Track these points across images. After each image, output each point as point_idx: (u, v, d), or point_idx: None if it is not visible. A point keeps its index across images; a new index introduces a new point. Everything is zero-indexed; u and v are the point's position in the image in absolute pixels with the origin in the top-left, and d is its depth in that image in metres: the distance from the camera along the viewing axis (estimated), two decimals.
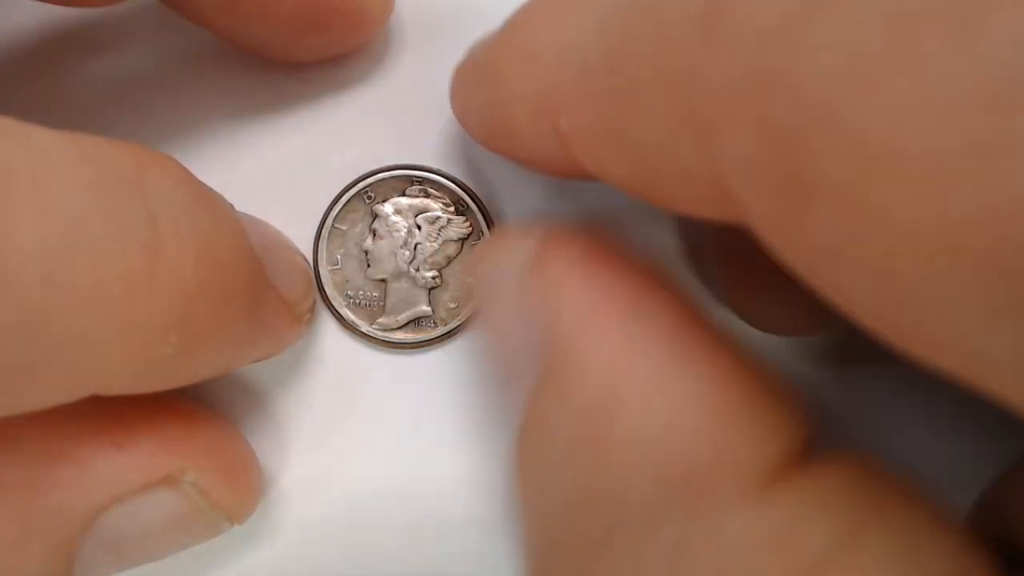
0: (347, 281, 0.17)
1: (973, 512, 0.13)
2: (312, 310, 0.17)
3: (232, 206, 0.14)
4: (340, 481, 0.17)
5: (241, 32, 0.16)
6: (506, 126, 0.13)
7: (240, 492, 0.15)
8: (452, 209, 0.17)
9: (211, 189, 0.14)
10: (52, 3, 0.16)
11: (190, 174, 0.13)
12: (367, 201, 0.17)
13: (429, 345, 0.17)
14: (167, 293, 0.11)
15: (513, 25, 0.13)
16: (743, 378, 0.10)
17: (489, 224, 0.17)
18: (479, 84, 0.14)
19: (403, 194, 0.17)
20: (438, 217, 0.17)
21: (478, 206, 0.17)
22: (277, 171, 0.18)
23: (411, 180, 0.17)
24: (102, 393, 0.12)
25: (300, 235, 0.17)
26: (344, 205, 0.17)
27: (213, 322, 0.13)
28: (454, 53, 0.18)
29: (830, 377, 0.17)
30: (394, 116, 0.18)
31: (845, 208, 0.07)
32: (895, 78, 0.07)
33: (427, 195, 0.17)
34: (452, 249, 0.17)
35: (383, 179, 0.17)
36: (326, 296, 0.17)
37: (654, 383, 0.10)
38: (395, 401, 0.17)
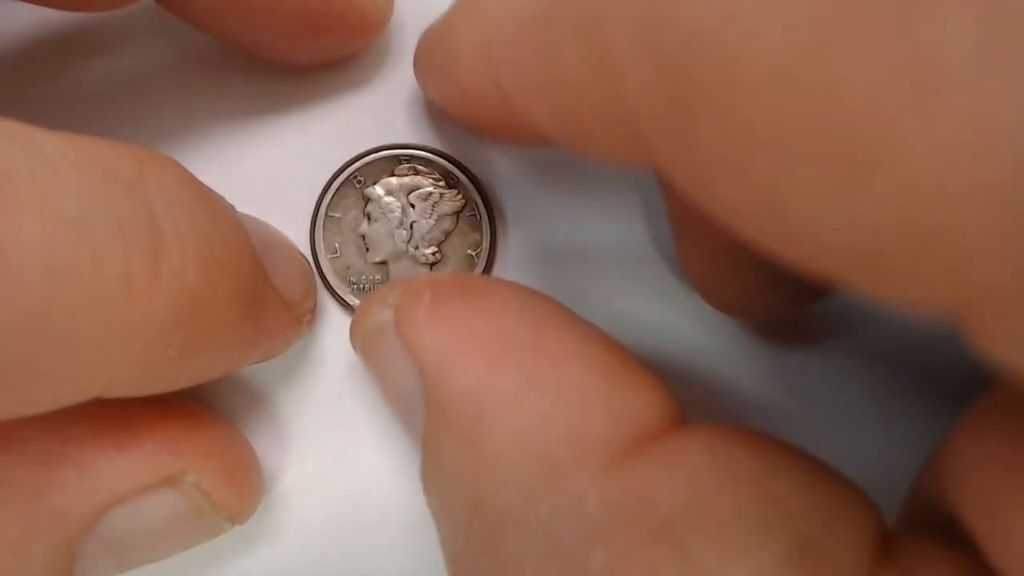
0: (348, 268, 0.17)
1: (912, 486, 0.13)
2: (313, 311, 0.17)
3: (233, 208, 0.14)
4: (341, 480, 0.17)
5: (241, 35, 0.16)
6: (458, 86, 0.14)
7: (241, 493, 0.15)
8: (443, 183, 0.17)
9: (212, 190, 0.14)
10: (52, 7, 0.16)
11: (191, 175, 0.13)
12: (357, 186, 0.17)
13: None
14: (168, 294, 0.11)
15: None
16: (593, 369, 0.12)
17: (482, 194, 0.17)
18: (436, 46, 0.15)
19: (392, 174, 0.17)
20: (430, 193, 0.17)
21: (468, 177, 0.17)
22: (276, 174, 0.18)
23: (399, 160, 0.17)
24: (105, 395, 0.12)
25: (299, 235, 0.17)
26: (335, 192, 0.17)
27: (214, 323, 0.13)
28: None
29: (789, 357, 0.17)
30: (393, 119, 0.18)
31: (719, 123, 0.08)
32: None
33: (416, 172, 0.17)
34: (448, 223, 0.17)
35: (371, 161, 0.17)
36: (329, 285, 0.17)
37: (510, 401, 0.12)
38: None
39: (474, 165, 0.18)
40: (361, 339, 0.14)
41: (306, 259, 0.17)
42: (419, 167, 0.17)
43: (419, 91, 0.18)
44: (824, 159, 0.07)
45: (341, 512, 0.17)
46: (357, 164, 0.17)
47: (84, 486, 0.13)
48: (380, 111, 0.18)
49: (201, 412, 0.15)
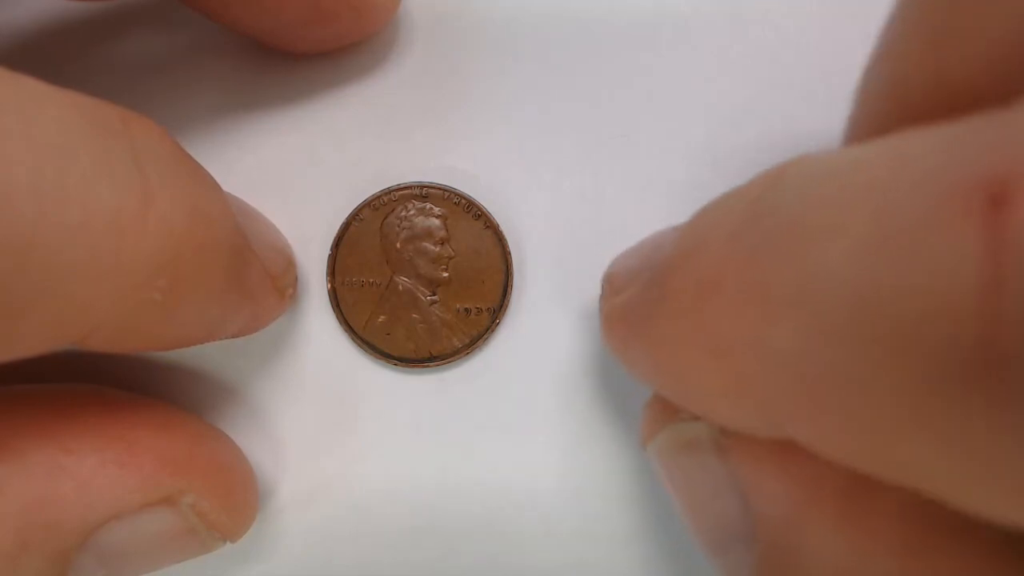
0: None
1: None
2: (294, 286, 0.17)
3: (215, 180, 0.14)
4: (339, 491, 0.17)
5: (248, 23, 0.16)
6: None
7: (237, 513, 0.15)
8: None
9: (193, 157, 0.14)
10: None
11: (173, 139, 0.13)
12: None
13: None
14: (156, 236, 0.11)
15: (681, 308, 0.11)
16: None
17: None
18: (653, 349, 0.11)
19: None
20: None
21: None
22: (285, 163, 0.17)
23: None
24: (89, 341, 0.12)
25: (310, 224, 0.17)
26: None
27: (200, 272, 0.12)
28: (462, 44, 0.18)
29: None
30: (401, 107, 0.18)
31: None
32: None
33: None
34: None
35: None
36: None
37: None
38: (393, 411, 0.17)
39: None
40: (660, 449, 0.13)
41: (285, 239, 0.17)
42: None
43: (425, 81, 0.18)
44: None
45: (340, 523, 0.17)
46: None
47: (82, 501, 0.13)
48: (390, 98, 0.18)
49: (201, 428, 0.15)
